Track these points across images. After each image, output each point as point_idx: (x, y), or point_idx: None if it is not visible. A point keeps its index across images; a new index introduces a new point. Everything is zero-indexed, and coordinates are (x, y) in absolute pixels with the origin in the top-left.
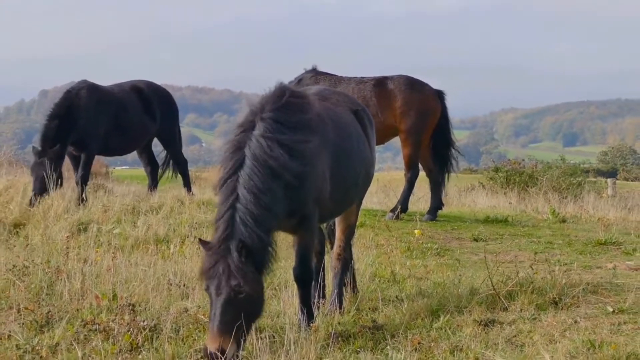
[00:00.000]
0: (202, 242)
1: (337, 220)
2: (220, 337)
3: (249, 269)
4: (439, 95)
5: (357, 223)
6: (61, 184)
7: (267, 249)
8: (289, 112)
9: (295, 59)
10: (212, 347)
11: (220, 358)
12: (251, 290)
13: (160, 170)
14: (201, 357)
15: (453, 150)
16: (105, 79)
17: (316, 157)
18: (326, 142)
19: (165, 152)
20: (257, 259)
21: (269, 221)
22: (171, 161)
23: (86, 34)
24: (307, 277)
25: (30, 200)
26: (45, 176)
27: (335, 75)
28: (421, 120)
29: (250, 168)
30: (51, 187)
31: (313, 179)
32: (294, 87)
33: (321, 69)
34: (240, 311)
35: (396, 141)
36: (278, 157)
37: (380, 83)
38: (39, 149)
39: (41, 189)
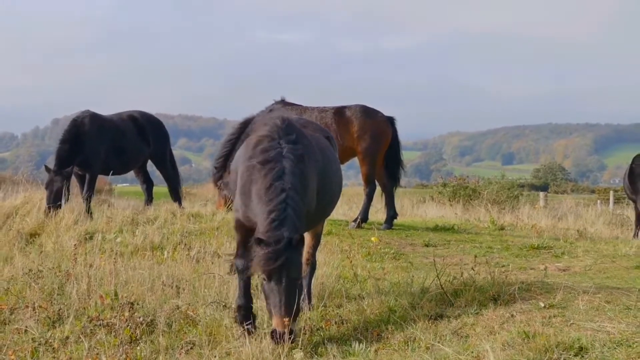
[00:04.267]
0: (259, 240)
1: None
2: (286, 319)
3: (300, 259)
4: (390, 121)
5: (325, 232)
6: (68, 199)
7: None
8: (299, 136)
9: (270, 90)
10: (281, 329)
11: (288, 336)
12: (300, 275)
13: (161, 187)
14: (271, 338)
15: (402, 169)
16: (108, 108)
17: (312, 178)
18: (316, 165)
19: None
20: (302, 250)
21: (304, 222)
22: (165, 178)
23: (92, 67)
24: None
25: (45, 211)
26: (58, 191)
27: (301, 105)
28: (375, 143)
29: (292, 175)
30: (63, 201)
31: (309, 194)
32: (293, 117)
33: (289, 99)
34: (296, 294)
35: (357, 161)
36: (303, 174)
37: (339, 111)
38: (55, 168)
39: (55, 202)
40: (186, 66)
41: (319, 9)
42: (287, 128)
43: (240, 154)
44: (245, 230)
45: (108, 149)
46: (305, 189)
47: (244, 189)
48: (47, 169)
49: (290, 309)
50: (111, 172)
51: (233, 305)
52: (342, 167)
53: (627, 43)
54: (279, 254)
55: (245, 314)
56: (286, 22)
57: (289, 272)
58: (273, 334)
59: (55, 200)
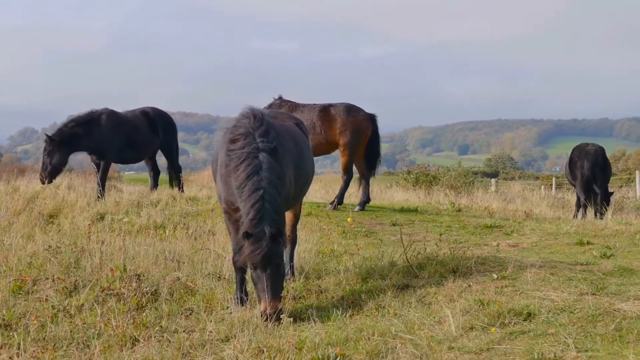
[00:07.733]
0: (247, 234)
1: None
2: (273, 300)
3: (280, 246)
4: (371, 118)
5: (305, 213)
6: (56, 172)
7: (283, 230)
8: (272, 130)
9: (262, 93)
10: (270, 310)
11: (277, 316)
12: (282, 260)
13: (162, 176)
14: (262, 320)
15: (379, 161)
16: (117, 106)
17: (287, 166)
18: (290, 154)
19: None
20: (281, 238)
21: (283, 210)
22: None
23: (104, 70)
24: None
25: (40, 176)
26: (47, 158)
27: (295, 102)
28: (355, 138)
29: (269, 170)
30: (49, 166)
31: (286, 184)
32: (264, 111)
33: (285, 97)
34: (280, 277)
35: (335, 152)
36: (278, 165)
37: (325, 109)
38: (51, 136)
39: (44, 169)
40: (185, 69)
41: (304, 21)
42: (259, 123)
43: (219, 147)
44: (233, 223)
45: (122, 142)
46: (281, 179)
47: (224, 178)
48: (46, 139)
49: (276, 293)
50: (125, 161)
51: (234, 296)
52: (322, 157)
53: (563, 53)
54: (262, 248)
55: (242, 302)
56: (275, 32)
57: (271, 261)
58: (262, 315)
59: (44, 168)
